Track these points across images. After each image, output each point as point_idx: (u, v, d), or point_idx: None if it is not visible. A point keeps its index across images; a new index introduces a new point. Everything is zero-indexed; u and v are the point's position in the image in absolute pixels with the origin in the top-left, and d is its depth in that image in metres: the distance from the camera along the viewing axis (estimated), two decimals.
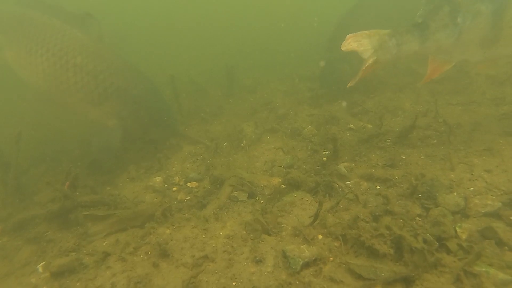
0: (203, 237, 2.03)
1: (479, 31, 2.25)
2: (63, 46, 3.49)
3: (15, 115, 5.10)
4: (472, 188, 2.19)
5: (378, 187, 2.43)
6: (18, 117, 5.01)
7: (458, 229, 1.86)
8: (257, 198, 2.61)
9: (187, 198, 2.85)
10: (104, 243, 2.32)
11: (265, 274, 1.70)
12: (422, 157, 2.70)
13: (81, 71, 3.50)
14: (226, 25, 9.94)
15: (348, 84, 2.51)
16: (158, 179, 3.13)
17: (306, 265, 1.71)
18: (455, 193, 2.16)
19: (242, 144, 3.54)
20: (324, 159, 2.96)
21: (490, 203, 2.00)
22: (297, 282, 1.63)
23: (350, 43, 2.34)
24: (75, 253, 2.22)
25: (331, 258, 1.74)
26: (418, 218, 2.04)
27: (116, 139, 3.54)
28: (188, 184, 3.05)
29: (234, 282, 1.69)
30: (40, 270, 2.15)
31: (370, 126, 3.49)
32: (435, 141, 2.97)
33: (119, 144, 3.53)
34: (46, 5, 3.56)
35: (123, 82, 3.66)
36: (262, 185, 2.77)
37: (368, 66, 2.39)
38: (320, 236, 1.91)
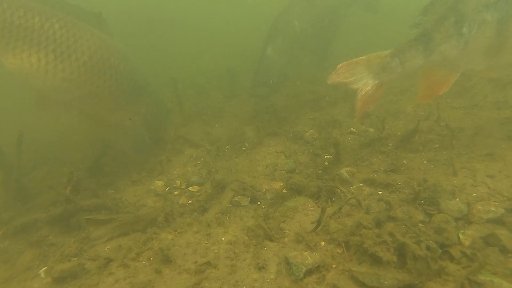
0: (206, 243, 2.03)
1: (484, 40, 2.23)
2: (97, 48, 3.32)
3: (16, 117, 5.11)
4: (475, 194, 2.18)
5: (380, 192, 2.42)
6: (19, 120, 5.02)
7: (461, 236, 1.86)
8: (259, 203, 2.61)
9: (188, 202, 2.85)
10: (106, 248, 2.32)
11: (267, 281, 1.70)
12: (424, 162, 2.70)
13: (116, 72, 3.44)
14: (228, 26, 9.95)
15: (355, 119, 2.49)
16: (160, 182, 3.13)
17: (309, 272, 1.71)
18: (457, 199, 2.16)
19: (244, 148, 3.54)
20: (326, 163, 2.96)
21: (493, 209, 2.00)
22: None
23: (341, 73, 2.30)
24: (77, 258, 2.22)
25: (334, 265, 1.74)
26: (420, 224, 2.04)
27: (145, 135, 3.70)
28: (190, 188, 3.05)
29: None
30: (42, 275, 2.15)
31: (372, 130, 3.49)
32: (437, 145, 2.96)
33: (148, 140, 3.70)
34: (64, 3, 3.22)
35: (142, 80, 3.77)
36: (264, 190, 2.77)
37: (373, 92, 2.34)
38: (323, 243, 1.90)
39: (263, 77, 3.84)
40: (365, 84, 2.31)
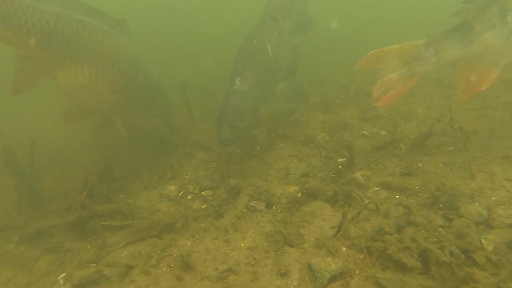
0: (225, 249, 2.03)
1: None
2: (131, 56, 3.41)
3: (27, 122, 5.13)
4: (494, 198, 2.17)
5: (397, 196, 2.41)
6: (29, 124, 5.04)
7: (483, 241, 1.85)
8: (274, 207, 2.61)
9: (202, 207, 2.84)
10: (123, 254, 2.32)
11: None
12: (440, 165, 2.69)
13: (146, 79, 3.61)
14: (234, 28, 9.95)
15: (375, 103, 2.40)
16: (172, 187, 3.13)
17: (333, 278, 1.70)
18: (477, 203, 2.15)
19: (255, 151, 3.53)
20: (340, 167, 2.94)
21: None
22: None
23: (371, 60, 2.24)
24: (95, 264, 2.23)
25: (357, 271, 1.73)
26: (441, 229, 2.03)
27: (169, 132, 3.91)
28: (203, 193, 3.04)
29: None
30: (61, 282, 2.15)
31: (383, 132, 3.48)
32: (451, 148, 2.95)
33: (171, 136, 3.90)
34: (90, 9, 3.19)
35: (158, 83, 3.93)
36: (278, 194, 2.77)
37: (402, 83, 2.30)
38: (344, 248, 1.90)
39: (230, 118, 2.97)
40: (394, 73, 2.24)
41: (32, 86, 2.89)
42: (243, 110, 3.02)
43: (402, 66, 2.30)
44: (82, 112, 3.39)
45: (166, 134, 3.90)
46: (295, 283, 1.71)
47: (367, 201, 2.32)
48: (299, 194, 2.60)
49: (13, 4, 2.57)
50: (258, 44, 3.62)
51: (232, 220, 2.44)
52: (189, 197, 3.04)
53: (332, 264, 1.72)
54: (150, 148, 3.83)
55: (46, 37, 2.75)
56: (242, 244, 2.07)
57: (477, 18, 2.25)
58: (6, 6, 2.54)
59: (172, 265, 1.96)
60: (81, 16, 3.05)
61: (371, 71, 2.37)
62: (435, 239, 1.80)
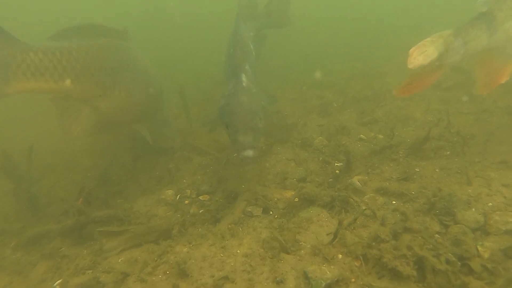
0: (221, 256, 2.02)
1: None
2: (146, 64, 3.70)
3: (24, 126, 5.13)
4: (491, 204, 2.17)
5: (394, 202, 2.41)
6: (27, 128, 5.04)
7: (480, 248, 1.85)
8: (271, 212, 2.61)
9: (200, 211, 2.84)
10: (120, 260, 2.31)
11: None
12: (437, 170, 2.68)
13: (155, 81, 3.87)
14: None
15: (396, 94, 2.36)
16: (170, 192, 3.13)
17: (328, 286, 1.70)
18: (473, 209, 2.14)
19: None
20: (337, 171, 2.95)
21: (511, 220, 1.98)
22: None
23: (416, 57, 2.16)
24: (91, 271, 2.22)
25: (353, 279, 1.73)
26: (437, 235, 2.03)
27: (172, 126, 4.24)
28: (200, 197, 3.04)
29: None
30: None
31: (381, 136, 3.48)
32: (448, 152, 2.95)
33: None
34: (98, 27, 3.21)
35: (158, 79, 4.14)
36: (276, 199, 2.76)
37: (430, 75, 2.24)
38: (340, 255, 1.89)
39: (249, 119, 2.56)
40: (431, 63, 2.17)
41: (86, 125, 2.99)
42: (258, 108, 2.69)
43: (438, 56, 2.23)
44: (98, 127, 3.36)
45: (170, 125, 4.28)
46: None
47: (364, 207, 2.32)
48: (296, 199, 2.60)
49: (38, 55, 2.57)
50: (246, 42, 3.66)
51: (229, 226, 2.43)
52: (186, 201, 3.04)
53: (328, 272, 1.72)
54: (158, 139, 4.01)
55: (80, 74, 2.79)
56: (239, 251, 2.07)
57: (498, 7, 2.21)
58: (31, 59, 2.54)
59: (168, 272, 1.96)
60: (101, 39, 3.13)
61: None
62: (431, 246, 1.80)
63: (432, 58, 2.18)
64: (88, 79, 2.85)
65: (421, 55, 2.17)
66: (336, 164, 3.10)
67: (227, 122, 2.60)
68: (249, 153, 2.46)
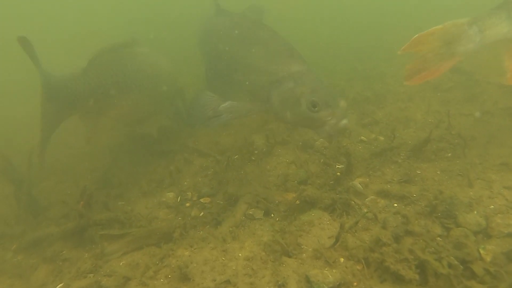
0: (223, 259, 2.02)
1: None
2: (162, 63, 4.18)
3: (24, 128, 5.12)
4: (492, 206, 2.17)
5: (395, 204, 2.41)
6: (27, 131, 5.02)
7: (482, 251, 1.85)
8: (272, 215, 2.60)
9: (200, 214, 2.84)
10: (121, 263, 2.31)
11: None
12: (438, 172, 2.68)
13: (170, 77, 4.26)
14: None
15: (405, 82, 2.30)
16: (171, 194, 3.13)
17: None
18: (475, 212, 2.14)
19: (253, 158, 3.52)
20: (338, 173, 2.94)
21: None
22: None
23: (415, 45, 2.12)
24: (92, 274, 2.22)
25: (355, 283, 1.73)
26: (439, 238, 2.02)
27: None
28: (201, 200, 3.04)
29: None
30: None
31: (382, 138, 3.48)
32: (449, 154, 2.95)
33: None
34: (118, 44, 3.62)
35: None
36: (277, 201, 2.76)
37: (443, 63, 2.21)
38: (342, 259, 1.89)
39: (332, 91, 2.64)
40: (432, 53, 2.17)
41: (101, 133, 3.69)
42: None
43: (442, 46, 2.23)
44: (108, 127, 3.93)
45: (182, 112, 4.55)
46: None
47: (365, 210, 2.32)
48: (298, 202, 2.59)
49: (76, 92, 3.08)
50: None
51: (230, 229, 2.43)
52: (187, 204, 3.04)
53: (330, 276, 1.72)
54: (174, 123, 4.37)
55: (101, 97, 3.23)
56: (240, 254, 2.06)
57: None
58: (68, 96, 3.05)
59: (169, 276, 1.95)
60: (115, 51, 3.52)
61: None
62: (433, 250, 1.80)
63: (423, 48, 2.15)
64: (106, 97, 3.29)
65: (418, 44, 2.14)
66: (337, 166, 3.10)
67: (310, 102, 2.39)
68: (347, 120, 2.43)
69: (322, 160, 3.25)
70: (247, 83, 2.68)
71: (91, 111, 3.27)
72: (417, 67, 2.35)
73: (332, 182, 2.87)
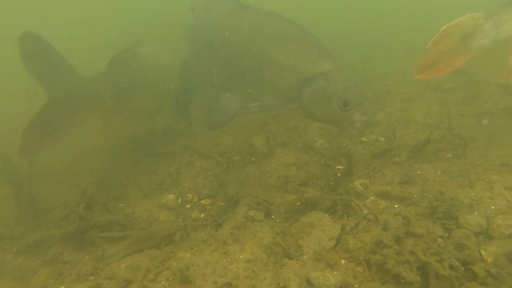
0: (224, 262, 2.02)
1: None
2: (166, 59, 4.41)
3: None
4: (493, 207, 2.17)
5: (396, 206, 2.41)
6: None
7: (483, 252, 1.84)
8: (273, 217, 2.60)
9: (201, 216, 2.84)
10: (122, 266, 2.31)
11: None
12: (439, 173, 2.68)
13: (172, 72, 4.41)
14: None
15: (417, 76, 2.28)
16: (171, 196, 3.12)
17: None
18: (476, 213, 2.14)
19: (253, 159, 3.52)
20: (339, 174, 2.94)
21: None
22: None
23: (445, 36, 2.06)
24: (93, 277, 2.21)
25: (357, 285, 1.73)
26: (440, 239, 2.02)
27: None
28: (202, 201, 3.04)
29: None
30: None
31: (382, 139, 3.48)
32: (450, 155, 2.95)
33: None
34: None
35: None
36: (277, 203, 2.76)
37: (457, 58, 2.17)
38: (343, 261, 1.89)
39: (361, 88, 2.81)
40: (446, 48, 2.13)
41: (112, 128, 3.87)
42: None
43: (458, 40, 2.19)
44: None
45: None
46: None
47: (366, 211, 2.32)
48: (298, 203, 2.59)
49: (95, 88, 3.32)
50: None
51: (231, 231, 2.43)
52: (188, 206, 3.03)
53: (331, 278, 1.71)
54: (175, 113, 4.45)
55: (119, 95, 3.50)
56: (241, 256, 2.06)
57: None
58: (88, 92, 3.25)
59: (171, 279, 1.95)
60: (127, 53, 3.75)
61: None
62: (434, 251, 1.80)
63: (457, 39, 2.09)
64: (123, 97, 3.60)
65: (449, 36, 2.07)
66: (337, 167, 3.09)
67: (341, 101, 2.45)
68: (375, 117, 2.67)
69: (322, 161, 3.24)
70: (276, 81, 2.65)
71: (110, 110, 3.50)
72: (430, 61, 2.32)
73: (332, 183, 2.87)
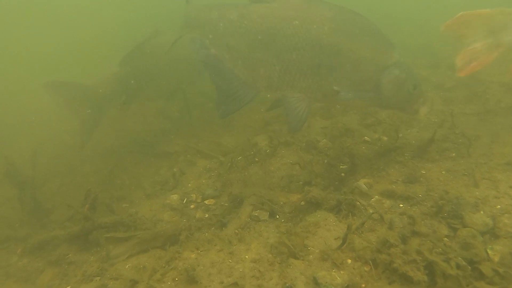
0: (230, 262, 2.02)
1: None
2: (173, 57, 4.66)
3: (27, 130, 5.12)
4: (499, 206, 2.16)
5: (401, 205, 2.41)
6: (30, 133, 5.02)
7: (489, 251, 1.84)
8: (277, 217, 2.60)
9: (205, 216, 2.84)
10: (127, 266, 2.31)
11: None
12: (443, 172, 2.68)
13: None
14: None
15: (460, 74, 2.30)
16: (175, 196, 3.12)
17: None
18: (482, 212, 2.14)
19: (257, 159, 3.52)
20: (343, 174, 2.94)
21: None
22: None
23: (460, 22, 2.03)
24: (99, 278, 2.22)
25: (363, 285, 1.73)
26: (446, 239, 2.02)
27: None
28: (206, 202, 3.04)
29: None
30: None
31: (385, 138, 3.47)
32: (454, 154, 2.94)
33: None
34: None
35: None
36: (282, 203, 2.76)
37: (489, 53, 2.15)
38: (349, 260, 1.89)
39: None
40: (479, 43, 2.10)
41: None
42: None
43: (489, 34, 2.16)
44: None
45: None
46: None
47: (371, 211, 2.32)
48: (302, 203, 2.59)
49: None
50: None
51: (236, 231, 2.43)
52: (191, 206, 3.04)
53: (338, 278, 1.71)
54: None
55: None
56: (247, 256, 2.06)
57: None
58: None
59: (177, 279, 1.95)
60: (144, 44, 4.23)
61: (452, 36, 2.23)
62: (441, 250, 1.80)
63: (467, 32, 2.07)
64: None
65: (464, 22, 2.04)
66: (341, 166, 3.09)
67: (412, 86, 2.75)
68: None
69: (326, 161, 3.24)
70: (356, 74, 2.74)
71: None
72: (467, 58, 2.31)
73: (336, 182, 2.87)
